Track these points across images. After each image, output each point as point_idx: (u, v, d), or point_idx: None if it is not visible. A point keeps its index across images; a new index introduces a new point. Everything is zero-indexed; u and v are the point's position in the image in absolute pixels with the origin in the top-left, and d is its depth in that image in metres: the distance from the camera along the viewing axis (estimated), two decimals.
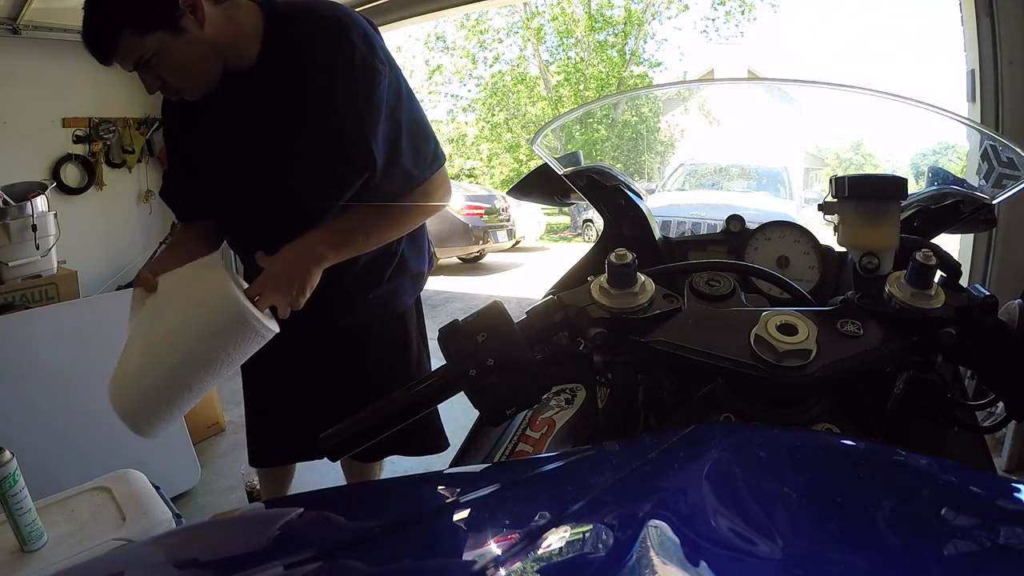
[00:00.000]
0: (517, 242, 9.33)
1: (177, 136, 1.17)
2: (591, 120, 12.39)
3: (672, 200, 5.04)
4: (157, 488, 1.38)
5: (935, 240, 0.75)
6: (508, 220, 8.54)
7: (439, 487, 0.41)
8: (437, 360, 0.49)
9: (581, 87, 14.26)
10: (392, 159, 1.06)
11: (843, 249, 0.62)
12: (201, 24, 0.96)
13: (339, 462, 1.53)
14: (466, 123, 16.68)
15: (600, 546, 0.31)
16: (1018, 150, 0.70)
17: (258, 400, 1.44)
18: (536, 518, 0.33)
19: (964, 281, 0.54)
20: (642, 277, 0.51)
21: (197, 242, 1.17)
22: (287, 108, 1.05)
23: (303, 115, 1.04)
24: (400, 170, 1.08)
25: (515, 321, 0.49)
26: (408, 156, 1.08)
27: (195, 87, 1.03)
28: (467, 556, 0.31)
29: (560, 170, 0.91)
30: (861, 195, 0.53)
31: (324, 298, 1.07)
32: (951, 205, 0.75)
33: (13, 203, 2.37)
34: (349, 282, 1.19)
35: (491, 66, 15.27)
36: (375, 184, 1.07)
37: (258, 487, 1.77)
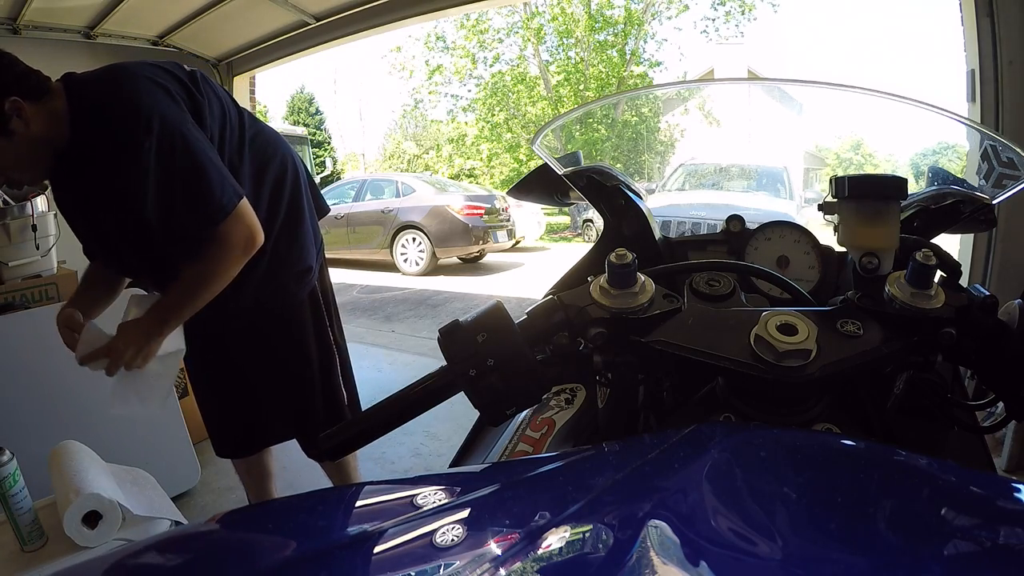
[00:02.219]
0: (517, 242, 9.34)
1: (56, 197, 1.30)
2: (591, 120, 12.38)
3: (672, 200, 5.03)
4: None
5: (935, 240, 0.75)
6: (508, 220, 8.55)
7: (438, 487, 0.41)
8: (430, 360, 0.49)
9: (581, 87, 14.27)
10: (169, 219, 1.15)
11: (843, 249, 0.62)
12: (28, 124, 1.07)
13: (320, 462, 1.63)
14: (466, 123, 16.69)
15: (600, 546, 0.31)
16: (1018, 150, 0.70)
17: (199, 396, 1.61)
18: (536, 518, 0.33)
19: (964, 281, 0.54)
20: (642, 277, 0.51)
21: (102, 279, 1.36)
22: (89, 181, 1.16)
23: (97, 187, 1.15)
24: (183, 226, 1.16)
25: (515, 321, 0.49)
26: (187, 215, 1.15)
27: (33, 176, 1.17)
28: (467, 556, 0.31)
29: (560, 170, 0.90)
30: (861, 195, 0.53)
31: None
32: (951, 205, 0.75)
33: (13, 203, 2.36)
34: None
35: (491, 66, 15.30)
36: (170, 238, 1.18)
37: None
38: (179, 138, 1.11)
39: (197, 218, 1.14)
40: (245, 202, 1.18)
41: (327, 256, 1.58)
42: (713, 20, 14.88)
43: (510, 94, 14.96)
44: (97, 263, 1.36)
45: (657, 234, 0.90)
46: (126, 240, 1.20)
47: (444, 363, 0.49)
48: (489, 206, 8.19)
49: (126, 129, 1.07)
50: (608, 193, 0.90)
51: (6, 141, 1.07)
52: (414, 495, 0.39)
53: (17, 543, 1.16)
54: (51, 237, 2.41)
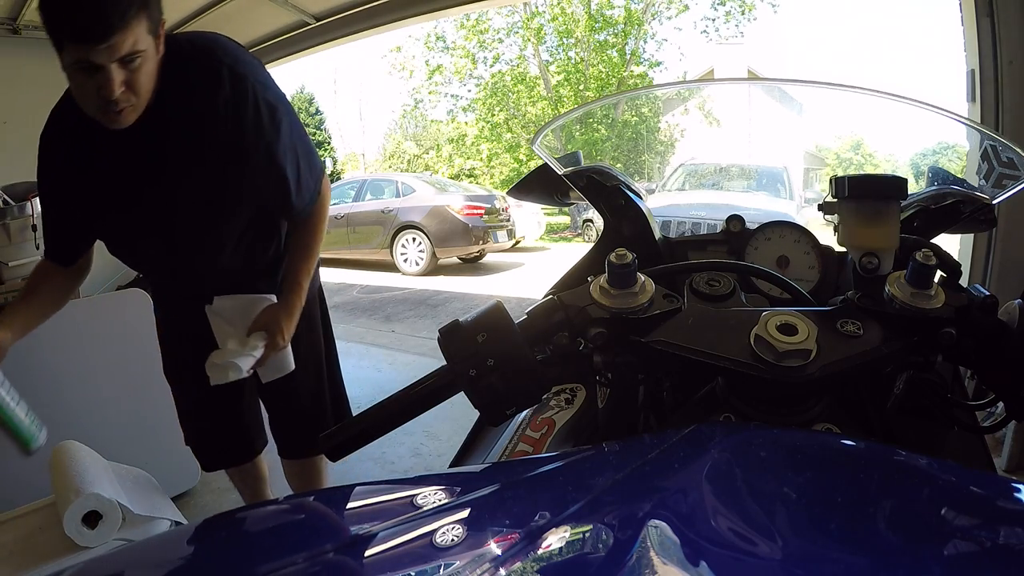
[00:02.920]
0: (517, 242, 9.34)
1: (61, 179, 1.12)
2: (591, 120, 12.39)
3: (672, 200, 5.03)
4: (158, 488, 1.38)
5: (935, 240, 0.75)
6: (508, 220, 8.55)
7: (438, 487, 0.41)
8: (430, 360, 0.49)
9: (581, 87, 14.27)
10: (299, 181, 1.19)
11: (843, 249, 0.62)
12: (158, 53, 0.99)
13: (282, 467, 1.58)
14: (466, 123, 16.69)
15: (600, 546, 0.31)
16: (1018, 150, 0.70)
17: (195, 410, 1.48)
18: (536, 518, 0.33)
19: (964, 281, 0.54)
20: (642, 277, 0.51)
21: (49, 293, 1.21)
22: (197, 153, 1.09)
23: (214, 159, 1.10)
24: (308, 185, 1.22)
25: (515, 321, 0.49)
26: (308, 174, 1.21)
27: (139, 107, 0.99)
28: (467, 556, 0.31)
29: (560, 170, 0.90)
30: (861, 195, 0.53)
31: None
32: (951, 205, 0.75)
33: (13, 203, 2.36)
34: (242, 281, 1.30)
35: (491, 66, 15.31)
36: (291, 205, 1.21)
37: None
38: (290, 105, 1.17)
39: (314, 177, 1.23)
40: None
41: (326, 256, 1.59)
42: (713, 20, 14.88)
43: (510, 94, 14.96)
44: (54, 271, 1.21)
45: (657, 234, 0.90)
46: (202, 225, 1.17)
47: (444, 363, 0.49)
48: (489, 206, 8.19)
49: (267, 94, 1.10)
50: (608, 193, 0.90)
51: (154, 47, 0.96)
52: (414, 495, 0.39)
53: (19, 445, 1.10)
54: None
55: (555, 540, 0.31)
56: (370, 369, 3.74)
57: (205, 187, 1.12)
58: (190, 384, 1.40)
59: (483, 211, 8.05)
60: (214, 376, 1.18)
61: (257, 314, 1.22)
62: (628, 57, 14.48)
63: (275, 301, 1.25)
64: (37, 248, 2.33)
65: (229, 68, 1.06)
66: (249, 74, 1.08)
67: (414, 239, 8.06)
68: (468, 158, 16.87)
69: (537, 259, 9.39)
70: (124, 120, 0.99)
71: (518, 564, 0.30)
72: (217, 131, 1.06)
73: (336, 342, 1.57)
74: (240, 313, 1.25)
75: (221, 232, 1.20)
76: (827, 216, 0.57)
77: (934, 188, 0.79)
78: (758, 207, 4.91)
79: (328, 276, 1.64)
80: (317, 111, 23.97)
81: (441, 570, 0.31)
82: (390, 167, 22.51)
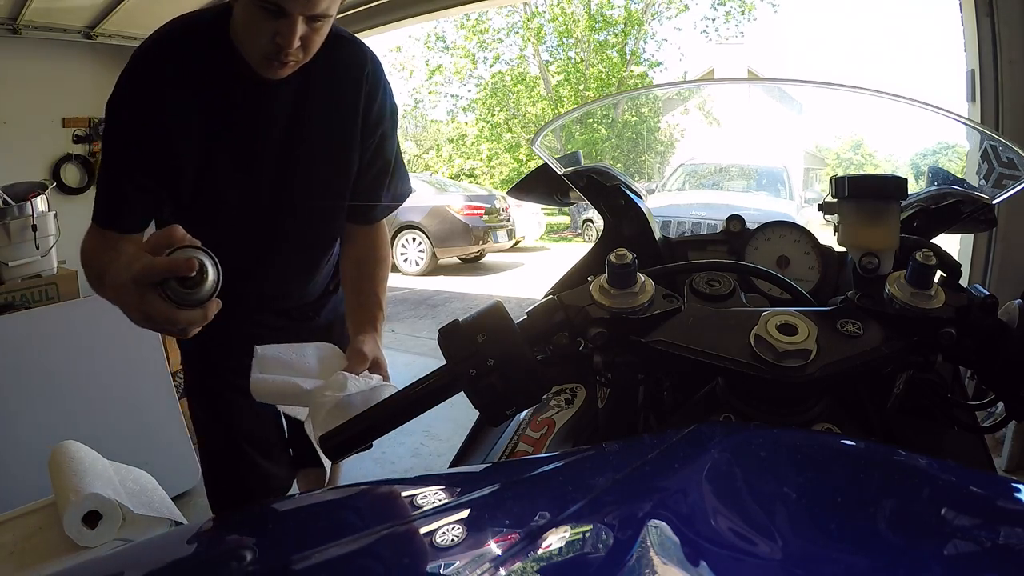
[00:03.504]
0: (517, 242, 9.34)
1: (159, 123, 0.95)
2: (591, 120, 12.39)
3: (672, 200, 5.04)
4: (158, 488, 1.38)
5: (935, 240, 0.75)
6: (508, 220, 8.55)
7: (438, 487, 0.41)
8: (430, 360, 0.49)
9: (581, 87, 14.28)
10: (395, 176, 1.19)
11: (843, 249, 0.62)
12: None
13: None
14: (466, 123, 16.69)
15: (600, 546, 0.31)
16: (1018, 150, 0.70)
17: (246, 441, 1.33)
18: (536, 518, 0.33)
19: (964, 281, 0.54)
20: (642, 277, 0.51)
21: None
22: (332, 120, 1.08)
23: (346, 129, 1.09)
24: (394, 187, 1.20)
25: (515, 321, 0.49)
26: (401, 177, 1.22)
27: (298, 66, 0.96)
28: (467, 556, 0.31)
29: (560, 170, 0.90)
30: (861, 195, 0.53)
31: (291, 314, 1.24)
32: (951, 205, 0.75)
33: (13, 203, 2.36)
34: (310, 300, 1.28)
35: (491, 66, 15.32)
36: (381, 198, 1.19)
37: None
38: None
39: (406, 185, 1.24)
40: None
41: None
42: (713, 20, 14.90)
43: (510, 94, 14.97)
44: (106, 240, 1.02)
45: (657, 234, 0.90)
46: (344, 182, 1.12)
47: (444, 363, 0.49)
48: (489, 206, 8.19)
49: (392, 95, 1.13)
50: (608, 193, 0.90)
51: (328, 23, 0.92)
52: (414, 495, 0.39)
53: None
54: (51, 237, 2.41)
55: (555, 540, 0.31)
56: None
57: (330, 159, 1.09)
58: (235, 425, 1.29)
59: (483, 211, 8.05)
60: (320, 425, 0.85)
61: (344, 357, 1.00)
62: (628, 57, 14.49)
63: (330, 345, 1.02)
64: (37, 248, 2.33)
65: (370, 56, 1.09)
66: (382, 71, 1.12)
67: (414, 239, 8.06)
68: (468, 158, 16.86)
69: (537, 259, 9.39)
70: (282, 73, 0.95)
71: (518, 564, 0.29)
72: (355, 102, 1.07)
73: None
74: (300, 362, 0.95)
75: (335, 216, 1.15)
76: (827, 216, 0.57)
77: (934, 188, 0.79)
78: (758, 207, 4.92)
79: None
80: None
81: (441, 570, 0.31)
82: None
